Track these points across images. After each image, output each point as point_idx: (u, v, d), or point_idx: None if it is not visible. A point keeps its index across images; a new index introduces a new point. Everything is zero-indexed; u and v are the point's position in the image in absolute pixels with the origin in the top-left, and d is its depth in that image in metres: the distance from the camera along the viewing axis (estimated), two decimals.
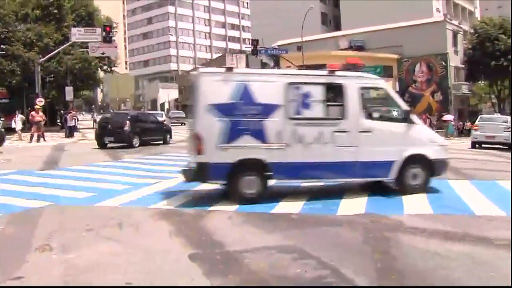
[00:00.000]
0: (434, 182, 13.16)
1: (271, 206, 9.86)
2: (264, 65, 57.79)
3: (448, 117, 45.94)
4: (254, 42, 44.96)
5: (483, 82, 61.57)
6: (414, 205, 10.01)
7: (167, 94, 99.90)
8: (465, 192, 11.64)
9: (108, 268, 6.15)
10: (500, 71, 53.56)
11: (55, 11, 49.44)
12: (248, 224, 8.52)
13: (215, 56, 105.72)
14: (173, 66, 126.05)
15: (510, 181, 12.09)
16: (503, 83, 58.19)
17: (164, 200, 10.53)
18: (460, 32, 58.71)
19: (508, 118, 31.53)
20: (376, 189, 11.36)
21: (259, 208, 9.69)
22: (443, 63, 53.57)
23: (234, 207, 9.78)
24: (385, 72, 45.60)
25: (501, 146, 27.73)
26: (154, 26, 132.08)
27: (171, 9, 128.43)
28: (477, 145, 28.98)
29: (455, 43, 56.66)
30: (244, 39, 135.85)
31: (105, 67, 58.99)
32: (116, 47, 43.90)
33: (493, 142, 28.26)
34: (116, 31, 58.31)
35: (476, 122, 30.69)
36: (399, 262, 6.37)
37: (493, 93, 61.03)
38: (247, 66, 68.63)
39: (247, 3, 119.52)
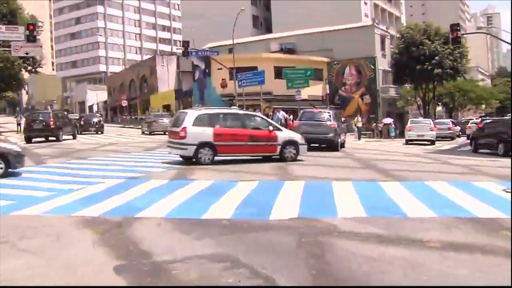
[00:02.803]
0: (365, 184, 13.29)
1: (201, 211, 9.51)
2: (195, 67, 57.30)
3: (387, 120, 47.17)
4: (185, 44, 44.34)
5: (409, 85, 63.62)
6: (348, 208, 9.92)
7: (96, 96, 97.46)
8: (396, 193, 11.69)
9: (23, 284, 5.64)
10: (425, 74, 55.51)
11: None
12: (178, 231, 8.13)
13: (145, 57, 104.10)
14: (102, 67, 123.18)
15: (436, 182, 12.31)
16: (427, 86, 60.28)
17: (89, 207, 9.91)
18: (388, 37, 60.32)
19: (430, 120, 41.33)
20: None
21: (189, 214, 9.34)
22: (372, 67, 54.81)
23: (163, 213, 9.37)
24: (315, 75, 46.07)
25: (427, 142, 35.81)
26: (82, 26, 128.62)
27: (100, 9, 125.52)
28: (409, 142, 36.62)
29: (383, 47, 58.13)
30: (175, 41, 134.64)
31: (29, 68, 56.64)
32: (41, 47, 42.11)
33: (422, 139, 36.21)
34: (41, 30, 56.17)
35: (408, 124, 38.52)
36: (334, 267, 6.20)
37: (419, 95, 63.15)
38: (178, 68, 68.04)
39: (178, 4, 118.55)
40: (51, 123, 31.24)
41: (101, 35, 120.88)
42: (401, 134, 43.39)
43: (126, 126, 64.08)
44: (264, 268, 6.12)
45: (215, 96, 53.21)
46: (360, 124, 43.14)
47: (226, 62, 46.25)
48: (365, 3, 69.90)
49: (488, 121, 32.36)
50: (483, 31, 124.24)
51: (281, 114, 39.69)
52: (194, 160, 18.00)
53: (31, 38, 35.21)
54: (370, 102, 54.65)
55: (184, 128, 17.89)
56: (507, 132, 25.35)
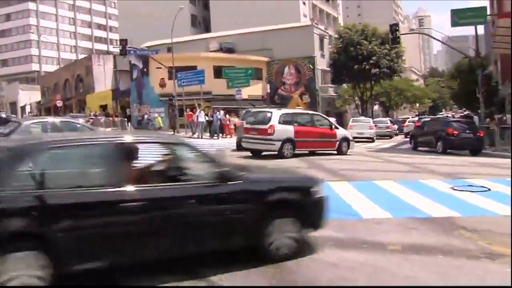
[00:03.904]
0: None
1: None
2: (132, 67, 56.01)
3: (330, 119, 47.37)
4: (123, 42, 43.05)
5: (347, 84, 64.48)
6: None
7: (29, 96, 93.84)
8: (347, 194, 11.48)
9: None
10: (363, 74, 56.36)
11: None
12: None
13: (81, 56, 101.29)
14: (35, 66, 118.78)
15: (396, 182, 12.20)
16: (365, 86, 61.26)
17: None
18: (326, 37, 60.87)
19: (370, 119, 42.13)
20: None
21: None
22: (311, 66, 55.09)
23: None
24: (255, 74, 45.89)
25: (367, 140, 36.92)
26: (13, 23, 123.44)
27: (32, 5, 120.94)
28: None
29: (321, 47, 58.58)
30: (111, 40, 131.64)
31: None
32: None
33: (362, 137, 36.70)
34: None
35: (350, 123, 39.51)
36: (297, 275, 5.82)
37: (357, 95, 64.09)
38: (115, 67, 66.38)
39: (114, 3, 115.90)
40: None
41: (33, 33, 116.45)
42: None
43: None
44: (221, 279, 5.68)
45: (153, 95, 52.13)
46: None
47: (165, 62, 45.30)
48: (304, 3, 70.33)
49: (426, 119, 33.14)
50: (418, 31, 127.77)
51: (221, 114, 39.29)
52: (278, 153, 20.34)
53: None
54: (310, 102, 54.88)
55: (272, 125, 20.45)
56: (445, 130, 25.98)
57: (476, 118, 34.65)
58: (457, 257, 6.58)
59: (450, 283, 5.64)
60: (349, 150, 22.80)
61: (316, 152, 22.21)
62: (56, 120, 17.78)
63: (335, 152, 22.29)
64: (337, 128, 23.23)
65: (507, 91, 45.15)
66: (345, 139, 23.02)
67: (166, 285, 5.48)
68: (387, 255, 6.62)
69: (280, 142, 20.42)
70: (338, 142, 22.56)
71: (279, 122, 20.71)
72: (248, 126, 22.18)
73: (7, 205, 5.08)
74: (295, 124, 21.21)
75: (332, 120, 26.03)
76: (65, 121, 17.77)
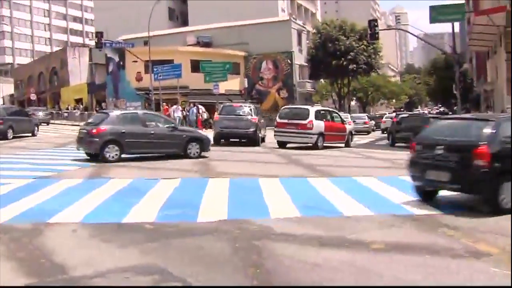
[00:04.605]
0: (294, 181, 12.82)
1: (121, 214, 8.63)
2: (108, 60, 55.25)
3: None
4: (99, 35, 42.29)
5: (325, 80, 64.50)
6: (279, 207, 9.37)
7: (1, 89, 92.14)
8: (326, 190, 11.29)
9: None
10: (340, 70, 56.36)
11: None
12: (97, 238, 7.21)
13: (55, 49, 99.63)
14: (8, 59, 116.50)
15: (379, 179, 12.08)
16: (343, 81, 61.31)
17: None
18: (304, 32, 60.73)
19: (348, 115, 39.79)
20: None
21: (108, 218, 8.44)
22: (288, 61, 54.91)
23: (79, 218, 8.41)
24: (233, 69, 45.62)
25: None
26: None
27: None
28: None
29: (299, 42, 58.43)
30: (87, 33, 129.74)
31: None
32: None
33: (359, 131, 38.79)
34: None
35: (349, 119, 39.46)
36: (278, 277, 5.57)
37: (334, 90, 64.14)
38: (91, 60, 65.44)
39: None
40: None
41: (6, 24, 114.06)
42: None
43: None
44: (198, 280, 5.43)
45: (130, 89, 51.50)
46: None
47: (141, 55, 44.66)
48: None
49: (404, 115, 33.16)
50: (396, 28, 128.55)
51: (195, 108, 39.00)
52: (311, 145, 23.10)
53: None
54: (287, 97, 54.78)
55: (311, 121, 23.17)
56: (423, 126, 25.95)
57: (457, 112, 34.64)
58: (442, 256, 6.40)
59: (439, 284, 5.47)
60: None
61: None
62: (140, 112, 21.11)
63: (343, 145, 25.45)
64: (345, 123, 26.38)
65: (482, 88, 45.66)
66: (351, 133, 26.88)
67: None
68: (372, 255, 6.40)
69: (316, 136, 23.26)
70: (346, 136, 25.98)
71: (315, 118, 23.49)
72: (285, 121, 24.09)
73: None
74: (324, 120, 24.32)
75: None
76: (147, 113, 20.76)
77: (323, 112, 26.05)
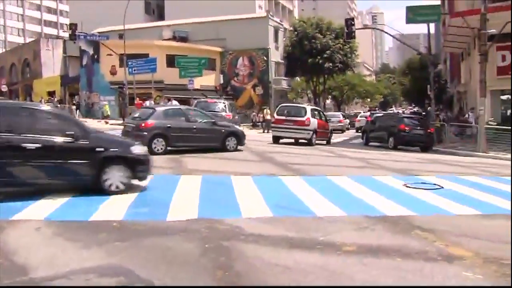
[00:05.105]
0: (266, 179, 12.64)
1: (88, 212, 8.36)
2: (83, 52, 54.42)
3: None
4: (73, 27, 41.59)
5: (300, 78, 64.54)
6: (251, 206, 9.18)
7: None
8: (299, 190, 11.13)
9: None
10: (316, 68, 56.39)
11: None
12: (61, 237, 6.93)
13: (28, 40, 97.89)
14: None
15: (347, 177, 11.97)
16: (318, 80, 61.39)
17: None
18: (281, 29, 60.61)
19: (340, 114, 44.86)
20: None
21: (74, 215, 8.16)
22: (265, 58, 54.80)
23: (44, 214, 8.10)
24: (208, 64, 45.27)
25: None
26: None
27: None
28: None
29: (276, 39, 58.29)
30: (61, 24, 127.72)
31: None
32: None
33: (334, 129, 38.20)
34: None
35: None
36: (247, 280, 5.40)
37: (309, 88, 64.23)
38: (64, 52, 64.43)
39: None
40: None
41: None
42: None
43: None
44: (165, 282, 5.23)
45: (103, 83, 50.80)
46: (269, 117, 41.46)
47: (116, 48, 44.02)
48: None
49: (379, 115, 33.29)
50: (372, 27, 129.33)
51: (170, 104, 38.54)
52: (307, 141, 25.07)
53: None
54: (263, 94, 54.70)
55: (308, 118, 25.07)
56: (397, 126, 26.13)
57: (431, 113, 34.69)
58: (415, 259, 6.31)
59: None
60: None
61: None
62: (183, 107, 21.71)
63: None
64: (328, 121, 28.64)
65: (456, 89, 46.07)
66: (331, 131, 29.17)
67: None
68: (343, 257, 6.25)
69: (312, 132, 25.11)
70: (329, 133, 28.23)
71: (311, 116, 25.37)
72: (282, 117, 25.75)
73: None
74: (317, 118, 26.15)
75: None
76: (190, 108, 21.78)
77: (316, 111, 28.02)
